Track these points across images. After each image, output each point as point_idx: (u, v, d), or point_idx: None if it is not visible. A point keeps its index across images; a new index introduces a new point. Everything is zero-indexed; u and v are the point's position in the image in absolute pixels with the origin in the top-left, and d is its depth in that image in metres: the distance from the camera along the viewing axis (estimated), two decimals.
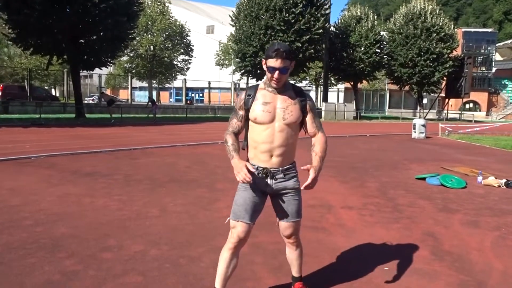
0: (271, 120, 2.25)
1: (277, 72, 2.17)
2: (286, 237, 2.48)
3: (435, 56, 33.33)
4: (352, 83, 35.88)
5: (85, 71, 24.56)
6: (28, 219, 4.12)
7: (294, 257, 2.57)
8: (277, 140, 2.26)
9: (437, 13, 34.64)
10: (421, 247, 3.67)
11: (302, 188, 2.29)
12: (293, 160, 2.42)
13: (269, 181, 2.32)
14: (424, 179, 6.88)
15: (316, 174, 2.27)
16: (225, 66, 46.28)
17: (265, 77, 2.32)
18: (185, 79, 38.64)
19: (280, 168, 2.32)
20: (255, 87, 2.34)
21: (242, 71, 31.12)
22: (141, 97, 45.26)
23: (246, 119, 2.33)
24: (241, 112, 2.32)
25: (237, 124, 2.35)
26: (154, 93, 40.52)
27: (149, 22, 37.90)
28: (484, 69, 56.20)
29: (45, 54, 21.41)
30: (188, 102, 39.74)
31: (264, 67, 2.25)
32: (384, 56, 34.62)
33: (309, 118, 2.38)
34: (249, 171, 2.17)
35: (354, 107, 33.89)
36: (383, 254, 3.47)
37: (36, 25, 18.01)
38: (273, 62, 2.16)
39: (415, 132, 16.38)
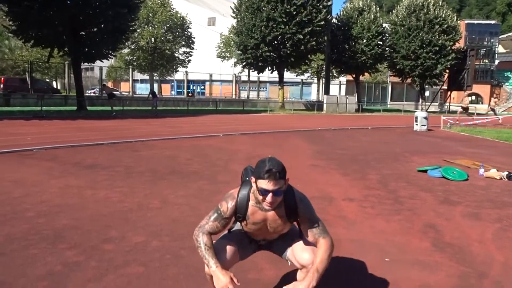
0: (262, 235, 2.25)
1: (270, 194, 1.93)
2: (307, 261, 2.11)
3: (437, 48, 33.07)
4: (354, 76, 35.70)
5: (86, 64, 24.54)
6: (30, 210, 4.13)
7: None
8: (270, 236, 2.28)
9: (440, 4, 34.31)
10: (422, 239, 3.67)
11: None
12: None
13: (262, 243, 2.36)
14: (425, 171, 6.87)
15: None
16: (226, 58, 46.12)
17: (255, 191, 2.02)
18: (186, 72, 38.60)
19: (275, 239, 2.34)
20: (245, 205, 2.08)
21: (243, 64, 31.01)
22: (143, 90, 45.21)
23: (223, 228, 2.21)
24: (226, 220, 2.13)
25: (218, 228, 2.14)
26: (156, 85, 40.52)
27: (150, 14, 37.73)
28: (487, 61, 55.79)
29: (46, 47, 21.36)
30: (190, 94, 39.74)
31: (254, 185, 1.99)
32: (386, 48, 34.37)
33: (304, 229, 2.13)
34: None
35: (356, 100, 33.77)
36: (384, 246, 3.47)
37: (37, 17, 17.95)
38: (265, 184, 1.91)
39: (417, 124, 16.33)
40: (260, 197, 1.98)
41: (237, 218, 2.13)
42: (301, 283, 1.97)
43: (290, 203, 2.08)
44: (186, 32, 40.77)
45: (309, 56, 30.11)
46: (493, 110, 23.01)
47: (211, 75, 40.04)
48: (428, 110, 30.31)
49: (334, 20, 33.59)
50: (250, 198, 2.09)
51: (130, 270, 2.84)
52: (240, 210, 2.08)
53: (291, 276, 2.68)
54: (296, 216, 2.11)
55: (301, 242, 2.21)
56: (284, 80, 31.70)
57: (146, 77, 46.23)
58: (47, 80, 42.70)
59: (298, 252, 2.16)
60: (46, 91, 27.93)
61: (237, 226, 2.30)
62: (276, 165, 1.92)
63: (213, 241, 2.14)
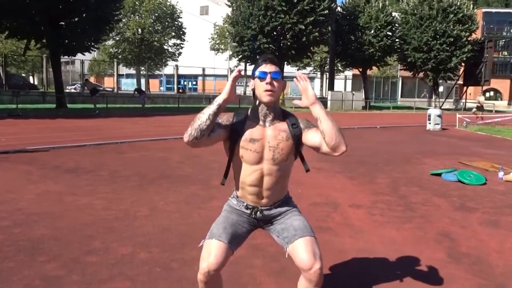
0: (259, 160, 2.14)
1: (268, 75, 2.05)
2: (305, 264, 2.01)
3: (452, 40, 33.17)
4: (360, 70, 35.77)
5: (66, 57, 24.48)
6: (4, 219, 4.12)
7: None
8: (266, 184, 2.18)
9: None
10: (436, 248, 3.69)
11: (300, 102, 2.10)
12: (286, 192, 2.34)
13: (258, 214, 2.26)
14: (439, 174, 6.89)
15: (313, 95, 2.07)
16: (220, 51, 46.11)
17: (253, 105, 2.19)
18: (176, 66, 38.47)
19: (272, 206, 2.25)
20: (243, 119, 2.18)
21: (239, 57, 31.00)
22: (128, 86, 45.14)
23: (229, 152, 2.20)
24: (218, 126, 2.12)
25: (208, 130, 2.07)
26: (143, 81, 40.41)
27: (137, 2, 37.69)
28: (506, 53, 56.04)
29: (22, 38, 21.30)
30: (180, 90, 39.61)
31: (252, 86, 2.14)
32: (396, 40, 34.48)
33: (310, 134, 2.15)
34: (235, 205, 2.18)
35: (363, 96, 33.87)
36: (394, 257, 3.48)
37: (11, 5, 17.88)
38: (263, 68, 2.08)
39: (430, 123, 16.38)
40: (261, 87, 2.08)
41: (233, 130, 2.15)
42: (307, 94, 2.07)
43: (291, 118, 2.19)
44: (176, 22, 40.73)
45: (311, 48, 30.13)
46: (479, 108, 22.52)
47: (203, 69, 39.96)
48: (442, 107, 30.42)
49: (338, 8, 33.68)
50: (248, 114, 2.20)
51: (116, 285, 2.84)
52: (237, 123, 2.16)
53: None
54: (298, 129, 2.16)
55: (304, 240, 2.08)
56: (284, 74, 31.54)
57: (132, 71, 46.20)
58: (23, 75, 42.65)
59: (299, 251, 2.06)
60: (22, 87, 27.86)
61: (232, 201, 2.31)
62: (271, 55, 2.05)
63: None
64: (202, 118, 2.03)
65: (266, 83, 2.06)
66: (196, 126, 2.03)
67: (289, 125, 2.16)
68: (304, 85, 2.06)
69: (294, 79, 2.11)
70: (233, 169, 2.26)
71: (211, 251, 2.01)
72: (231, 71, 41.93)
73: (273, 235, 2.29)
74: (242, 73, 2.06)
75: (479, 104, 22.53)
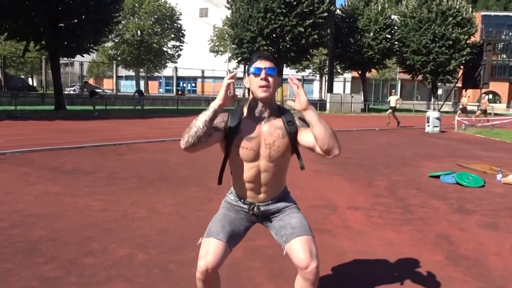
0: (255, 158, 2.13)
1: (263, 71, 2.05)
2: (304, 267, 2.01)
3: (451, 43, 33.25)
4: (359, 72, 35.81)
5: (65, 58, 24.45)
6: (2, 220, 4.12)
7: None
8: (263, 179, 2.18)
9: None
10: (434, 251, 3.69)
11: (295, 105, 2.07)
12: (284, 186, 2.34)
13: (256, 211, 2.25)
14: (438, 177, 6.89)
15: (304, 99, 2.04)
16: (220, 53, 46.16)
17: (248, 102, 2.18)
18: (175, 68, 38.53)
19: (270, 201, 2.24)
20: (238, 116, 2.15)
21: (238, 59, 31.00)
22: (128, 87, 45.19)
23: (226, 150, 2.19)
24: (214, 129, 2.10)
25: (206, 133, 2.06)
26: (142, 82, 40.47)
27: (136, 4, 37.77)
28: (505, 56, 56.20)
29: (21, 40, 21.28)
30: (179, 92, 39.65)
31: (247, 84, 2.14)
32: (395, 42, 34.53)
33: (305, 134, 2.12)
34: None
35: (362, 99, 33.88)
36: (393, 259, 3.48)
37: (11, 7, 17.89)
38: (258, 64, 2.08)
39: (428, 125, 16.40)
40: (255, 83, 2.07)
41: (228, 130, 2.13)
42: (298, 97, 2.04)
43: (287, 115, 2.17)
44: (175, 24, 40.82)
45: (310, 50, 30.16)
46: (463, 110, 22.14)
47: (203, 71, 40.01)
48: (441, 110, 30.46)
49: (338, 11, 33.73)
50: (243, 111, 2.18)
51: (114, 287, 2.83)
52: (232, 120, 2.14)
53: None
54: (294, 126, 2.14)
55: (301, 239, 2.08)
56: (284, 76, 31.76)
57: (131, 73, 46.23)
58: (22, 76, 42.62)
59: (296, 250, 2.07)
60: (21, 88, 27.85)
61: (230, 196, 2.31)
62: (266, 52, 2.02)
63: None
64: (199, 125, 2.01)
65: (261, 79, 2.06)
66: (192, 133, 2.01)
67: (285, 123, 2.14)
68: (296, 90, 2.04)
69: (288, 80, 2.11)
70: (230, 166, 2.26)
71: (209, 250, 2.01)
72: (230, 73, 42.18)
73: (271, 232, 2.29)
74: (239, 75, 2.05)
75: (462, 106, 22.28)
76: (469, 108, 39.42)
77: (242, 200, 2.26)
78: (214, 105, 2.04)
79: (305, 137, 2.12)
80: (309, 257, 2.02)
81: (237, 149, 2.13)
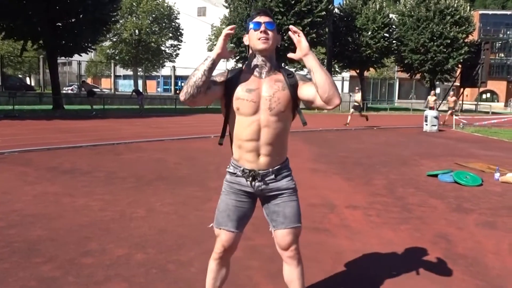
0: (255, 111, 2.08)
1: (262, 25, 2.08)
2: (284, 249, 2.23)
3: (449, 41, 33.28)
4: (358, 71, 35.82)
5: (63, 58, 24.42)
6: (0, 220, 4.11)
7: (295, 276, 2.27)
8: (264, 136, 2.10)
9: None
10: (432, 250, 3.69)
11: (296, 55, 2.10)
12: (286, 157, 2.28)
13: (257, 183, 2.17)
14: (436, 176, 6.90)
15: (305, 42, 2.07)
16: None
17: (248, 60, 2.22)
18: (174, 67, 38.51)
19: (270, 169, 2.16)
20: (237, 70, 2.19)
21: (237, 58, 31.02)
22: (126, 87, 45.07)
23: (225, 108, 2.18)
24: (214, 83, 2.12)
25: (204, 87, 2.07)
26: (140, 82, 40.42)
27: (134, 4, 37.65)
28: (503, 55, 56.28)
29: (18, 39, 21.21)
30: (178, 92, 39.60)
31: (247, 41, 2.18)
32: (393, 41, 34.55)
33: (305, 87, 2.14)
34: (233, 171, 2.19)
35: (360, 97, 33.88)
36: (391, 258, 3.49)
37: (9, 7, 17.85)
38: (257, 19, 2.11)
39: (426, 124, 16.41)
40: (255, 36, 2.10)
41: (228, 85, 2.13)
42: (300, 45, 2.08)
43: (287, 69, 2.22)
44: (173, 23, 40.73)
45: None
46: (450, 109, 19.96)
47: None
48: (439, 109, 30.48)
49: (336, 10, 33.71)
50: (243, 68, 2.20)
51: (112, 286, 2.83)
52: (232, 77, 2.15)
53: None
54: (294, 79, 2.16)
55: (287, 231, 2.20)
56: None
57: (129, 72, 46.12)
58: (20, 76, 42.51)
59: (281, 238, 2.23)
60: (19, 88, 27.82)
61: (229, 169, 2.26)
62: (265, 8, 2.06)
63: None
64: (197, 74, 2.01)
65: (260, 31, 2.08)
66: (191, 83, 2.01)
67: (285, 76, 2.16)
68: (297, 38, 2.07)
69: (289, 32, 2.13)
70: (230, 127, 2.21)
71: (222, 238, 2.23)
72: (228, 72, 42.15)
73: (264, 210, 2.29)
74: (235, 30, 2.05)
75: (431, 106, 20.82)
76: (465, 107, 39.51)
77: (241, 169, 2.18)
78: (212, 54, 2.06)
79: (305, 90, 2.13)
80: (290, 242, 2.22)
81: (237, 102, 2.10)
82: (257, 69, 2.15)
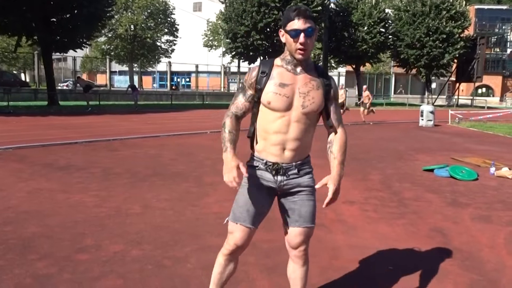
0: (288, 107, 2.01)
1: (302, 35, 1.90)
2: (293, 248, 2.21)
3: (445, 36, 33.36)
4: (354, 66, 35.89)
5: (58, 54, 24.31)
6: None
7: (299, 275, 2.26)
8: (292, 132, 2.04)
9: None
10: (428, 244, 3.70)
11: (323, 206, 2.19)
12: (308, 153, 2.23)
13: (279, 178, 2.12)
14: (432, 170, 6.92)
15: (337, 185, 2.18)
16: (214, 47, 45.98)
17: (282, 54, 2.09)
18: (169, 62, 38.41)
19: (294, 164, 2.12)
20: (270, 63, 2.07)
21: (233, 53, 30.98)
22: (121, 82, 44.89)
23: (255, 101, 2.09)
24: (251, 92, 2.07)
25: (244, 105, 2.09)
26: (136, 77, 40.25)
27: None
28: (498, 50, 56.40)
29: (13, 35, 21.14)
30: (173, 87, 39.55)
31: (283, 38, 2.00)
32: (389, 36, 34.60)
33: (332, 108, 2.15)
34: (249, 167, 2.10)
35: (356, 93, 33.92)
36: (387, 253, 3.49)
37: (2, 2, 17.71)
38: (295, 24, 1.90)
39: (422, 119, 16.47)
40: (292, 45, 1.95)
41: (259, 78, 2.04)
42: (332, 178, 2.22)
43: (321, 69, 2.13)
44: (169, 19, 40.57)
45: None
46: (364, 106, 17.86)
47: (197, 66, 39.86)
48: (434, 104, 30.56)
49: (332, 5, 33.71)
50: (275, 61, 2.09)
51: (107, 283, 2.82)
52: (264, 68, 2.05)
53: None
54: (329, 83, 2.11)
55: (301, 230, 2.19)
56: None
57: (125, 68, 45.94)
58: (15, 72, 42.23)
59: (293, 236, 2.20)
60: (13, 84, 27.60)
61: (251, 163, 2.18)
62: (303, 5, 1.99)
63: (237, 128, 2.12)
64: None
65: (300, 43, 1.93)
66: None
67: (320, 76, 2.09)
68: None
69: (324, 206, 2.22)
70: (253, 118, 2.14)
71: (237, 234, 2.14)
72: (224, 68, 41.96)
73: (280, 206, 2.24)
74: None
75: (362, 101, 18.57)
76: (461, 101, 39.65)
77: (264, 162, 2.12)
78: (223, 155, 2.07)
79: (327, 107, 2.15)
80: (300, 242, 2.19)
81: (268, 95, 2.02)
82: (292, 65, 2.04)
